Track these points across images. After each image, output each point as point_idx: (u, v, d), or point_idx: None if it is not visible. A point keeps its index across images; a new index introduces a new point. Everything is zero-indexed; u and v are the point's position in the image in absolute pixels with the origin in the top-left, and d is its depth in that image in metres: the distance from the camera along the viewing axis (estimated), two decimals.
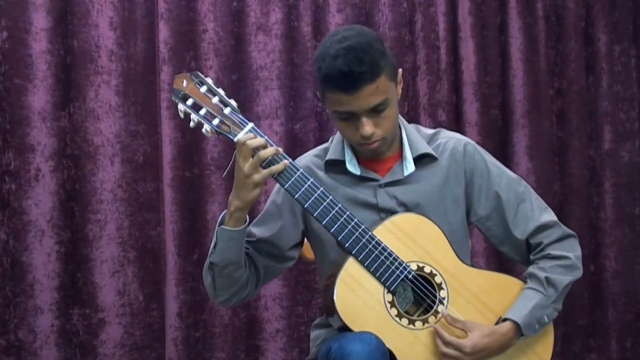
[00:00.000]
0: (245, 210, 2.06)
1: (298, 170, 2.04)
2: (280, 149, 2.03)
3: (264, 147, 2.00)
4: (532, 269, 2.22)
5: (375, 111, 2.07)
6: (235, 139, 2.01)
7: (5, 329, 3.22)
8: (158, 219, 3.37)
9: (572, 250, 2.24)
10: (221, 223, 2.09)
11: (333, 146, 2.24)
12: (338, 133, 2.25)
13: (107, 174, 3.30)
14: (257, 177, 2.00)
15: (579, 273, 2.23)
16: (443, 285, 2.12)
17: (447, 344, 2.06)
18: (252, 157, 1.99)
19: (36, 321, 3.23)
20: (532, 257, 2.25)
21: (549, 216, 2.26)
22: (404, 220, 2.12)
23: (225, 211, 2.10)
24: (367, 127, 2.07)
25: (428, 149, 2.22)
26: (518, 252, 2.28)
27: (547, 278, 2.17)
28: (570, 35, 3.75)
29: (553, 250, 2.22)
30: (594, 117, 3.79)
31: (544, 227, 2.23)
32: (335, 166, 2.22)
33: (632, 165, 3.78)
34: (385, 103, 2.07)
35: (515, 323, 2.12)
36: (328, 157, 2.23)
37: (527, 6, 3.71)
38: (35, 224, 3.22)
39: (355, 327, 2.03)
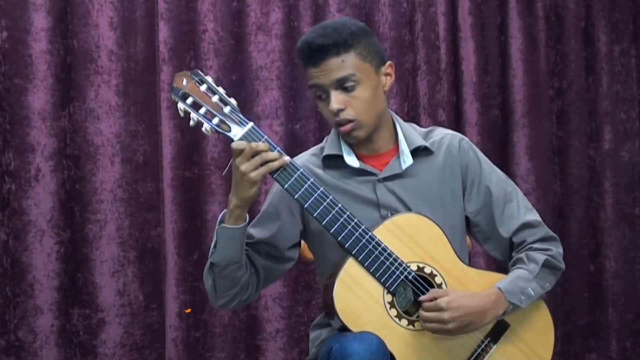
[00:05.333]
0: (244, 208, 2.06)
1: (298, 170, 2.04)
2: (287, 157, 2.02)
3: (266, 150, 2.01)
4: (515, 257, 2.25)
5: (343, 88, 2.10)
6: (231, 144, 2.01)
7: (5, 329, 3.21)
8: (158, 219, 3.37)
9: (555, 247, 2.27)
10: (221, 222, 2.09)
11: (329, 142, 2.25)
12: (332, 131, 2.27)
13: (107, 174, 3.29)
14: (253, 174, 1.99)
15: (560, 265, 2.26)
16: (443, 286, 2.12)
17: (425, 309, 2.06)
18: (253, 156, 1.99)
19: (36, 321, 3.23)
20: (514, 254, 2.27)
21: (534, 216, 2.29)
22: (404, 220, 2.12)
23: (225, 210, 2.10)
24: (334, 102, 2.11)
25: (424, 142, 2.24)
26: (501, 250, 2.30)
27: (527, 255, 2.21)
28: (570, 35, 3.75)
29: (535, 245, 2.25)
30: (594, 117, 3.79)
31: (527, 226, 2.26)
32: (333, 161, 2.22)
33: (632, 165, 3.79)
34: (351, 79, 2.10)
35: (498, 289, 2.13)
36: (325, 152, 2.23)
37: (527, 6, 3.71)
38: (35, 224, 3.22)
39: (354, 327, 2.03)
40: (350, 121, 2.13)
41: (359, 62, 2.11)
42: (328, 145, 2.25)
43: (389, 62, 2.19)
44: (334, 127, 2.20)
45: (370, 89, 2.13)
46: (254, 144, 1.99)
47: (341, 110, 2.11)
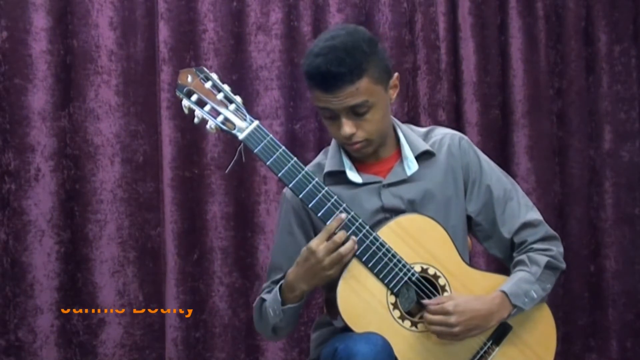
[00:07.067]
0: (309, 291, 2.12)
1: (303, 169, 2.04)
2: (355, 246, 2.05)
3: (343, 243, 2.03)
4: (516, 258, 2.24)
5: (354, 113, 2.08)
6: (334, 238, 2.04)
7: (5, 329, 3.21)
8: (158, 219, 3.36)
9: (556, 247, 2.27)
10: (281, 293, 2.12)
11: (330, 158, 2.24)
12: (332, 145, 2.26)
13: (107, 174, 3.29)
14: (331, 272, 2.03)
15: (561, 265, 2.26)
16: (447, 288, 2.13)
17: (431, 312, 2.06)
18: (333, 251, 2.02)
19: (36, 321, 3.22)
20: (515, 254, 2.26)
21: (535, 215, 2.29)
22: (409, 221, 2.12)
23: (281, 283, 2.13)
24: (346, 127, 2.08)
25: (427, 146, 2.23)
26: (502, 249, 2.30)
27: (529, 257, 2.21)
28: (570, 35, 3.75)
29: (536, 246, 2.25)
30: (594, 117, 3.79)
31: (528, 225, 2.26)
32: (334, 177, 2.21)
33: (632, 165, 3.78)
34: (365, 105, 2.07)
35: (503, 292, 2.13)
36: (327, 169, 2.22)
37: (527, 6, 3.71)
38: (35, 224, 3.21)
39: (357, 328, 2.03)
40: (360, 142, 2.12)
41: (372, 86, 2.07)
42: (329, 161, 2.23)
43: (395, 75, 2.17)
44: (340, 144, 2.19)
45: (381, 110, 2.12)
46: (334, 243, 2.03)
47: (352, 134, 2.10)
